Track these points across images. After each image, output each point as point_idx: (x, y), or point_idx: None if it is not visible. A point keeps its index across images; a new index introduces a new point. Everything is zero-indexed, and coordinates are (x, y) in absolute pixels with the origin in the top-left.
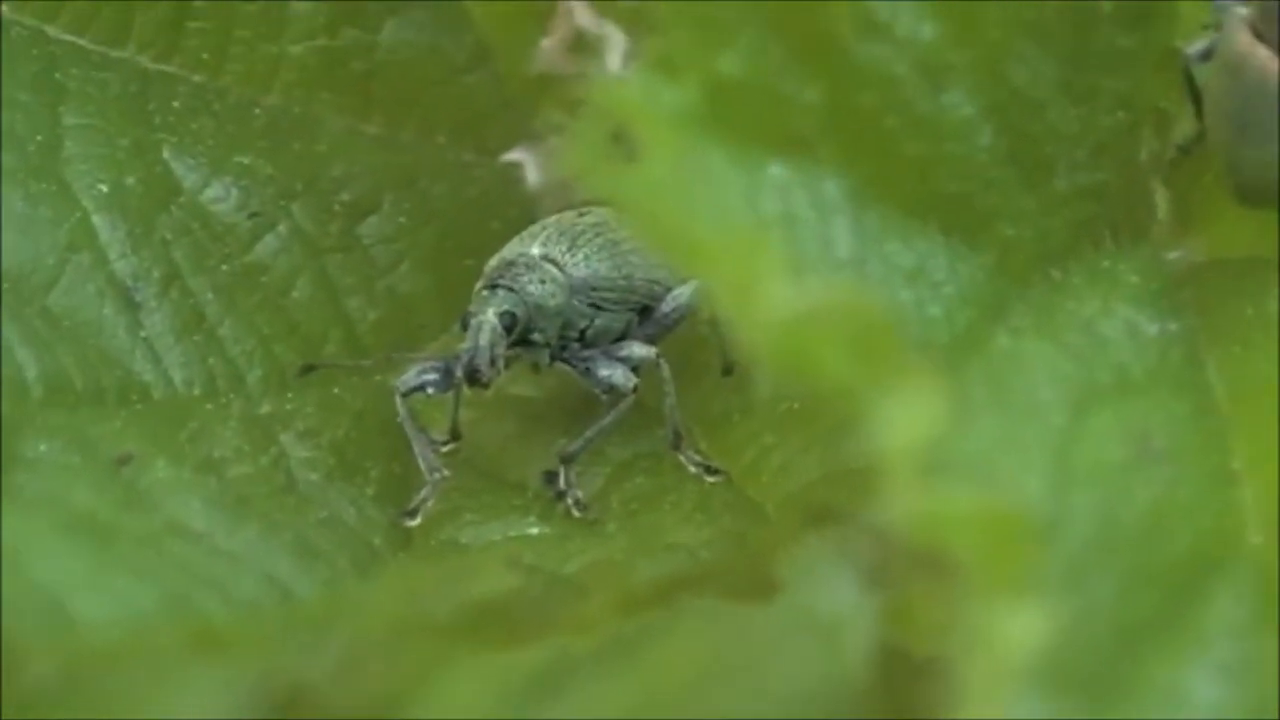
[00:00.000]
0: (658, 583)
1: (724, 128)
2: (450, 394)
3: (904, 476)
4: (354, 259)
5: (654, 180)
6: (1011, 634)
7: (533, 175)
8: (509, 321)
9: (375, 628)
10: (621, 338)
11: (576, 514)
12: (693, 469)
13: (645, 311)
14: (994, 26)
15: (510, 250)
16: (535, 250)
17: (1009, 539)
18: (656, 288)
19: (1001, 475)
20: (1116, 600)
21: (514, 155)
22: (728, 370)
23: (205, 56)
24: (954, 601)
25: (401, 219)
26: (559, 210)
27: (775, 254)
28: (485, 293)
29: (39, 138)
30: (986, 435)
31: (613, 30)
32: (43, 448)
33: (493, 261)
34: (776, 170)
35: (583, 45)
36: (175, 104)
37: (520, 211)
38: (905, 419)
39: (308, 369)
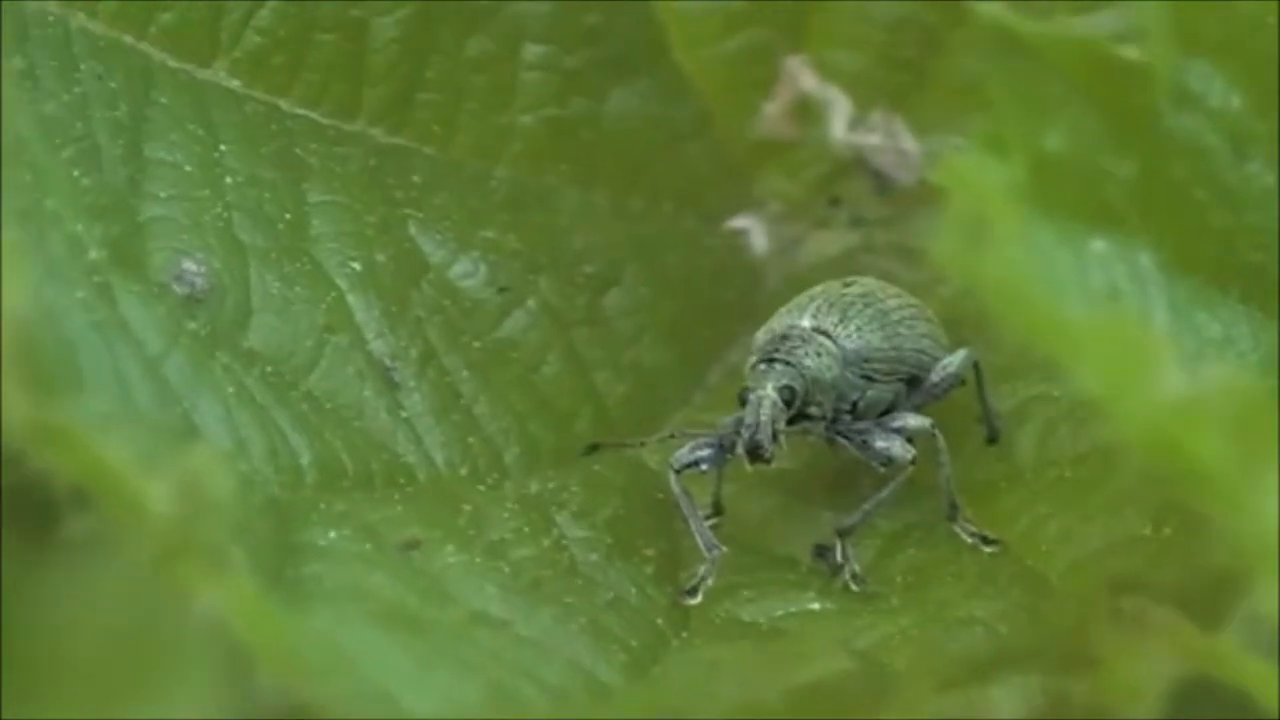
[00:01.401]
0: (973, 662)
1: (1049, 204)
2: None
3: None
4: (599, 333)
5: (1010, 262)
6: None
7: (758, 242)
8: (788, 396)
9: (705, 713)
10: (890, 408)
11: (855, 588)
12: (969, 539)
13: (912, 381)
14: None
15: (780, 323)
16: (807, 322)
17: None
18: (924, 358)
19: None
20: None
21: (738, 222)
22: (992, 439)
23: (436, 129)
24: None
25: (643, 290)
26: (783, 277)
27: (1162, 339)
28: (762, 367)
29: (287, 216)
30: None
31: (836, 95)
32: (331, 535)
33: (761, 335)
34: (1099, 245)
35: (806, 110)
36: (415, 178)
37: (747, 279)
38: None
39: (593, 448)
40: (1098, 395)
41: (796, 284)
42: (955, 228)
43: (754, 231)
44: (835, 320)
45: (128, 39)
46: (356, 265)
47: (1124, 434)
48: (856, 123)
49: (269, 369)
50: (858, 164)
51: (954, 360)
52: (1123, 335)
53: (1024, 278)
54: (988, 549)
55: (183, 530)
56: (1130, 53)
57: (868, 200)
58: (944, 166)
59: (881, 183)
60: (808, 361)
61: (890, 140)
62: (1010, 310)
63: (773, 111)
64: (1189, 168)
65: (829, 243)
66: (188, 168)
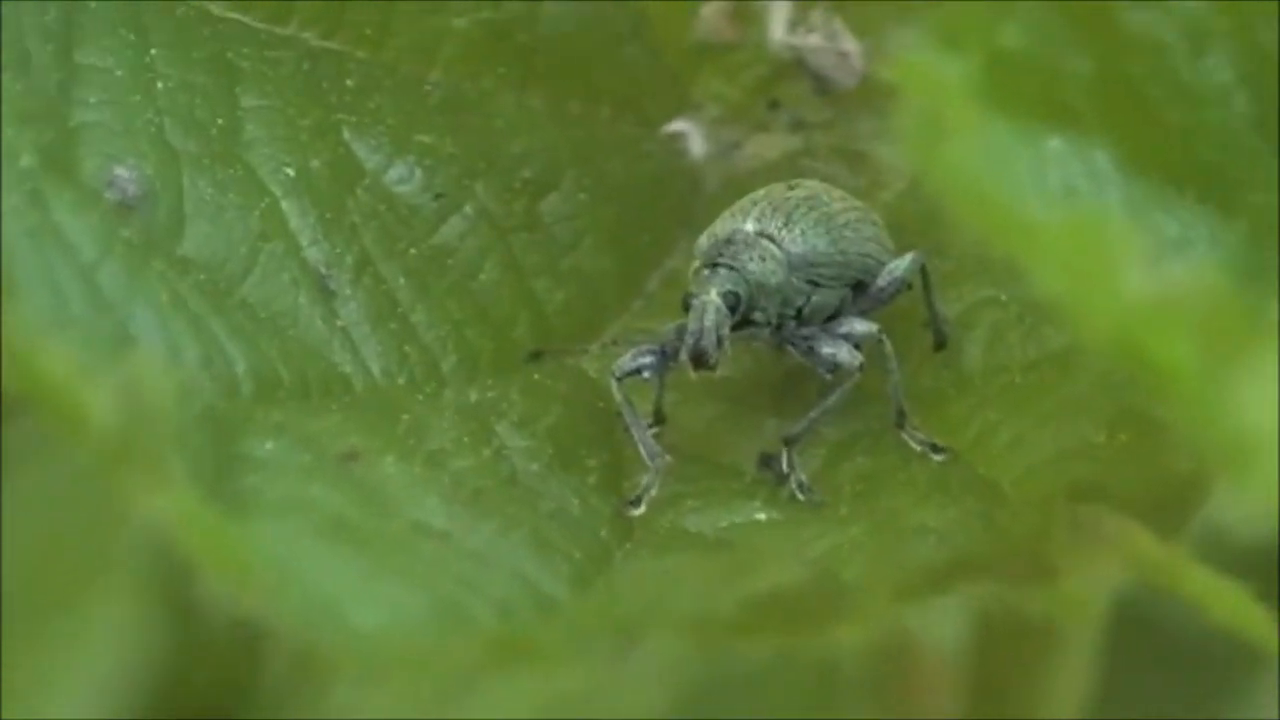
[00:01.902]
0: (929, 570)
1: (1006, 101)
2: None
3: (1267, 461)
4: (537, 239)
5: (968, 160)
6: None
7: (696, 146)
8: (733, 301)
9: (661, 626)
10: (836, 314)
11: (802, 497)
12: (918, 447)
13: (858, 286)
14: None
15: (723, 227)
16: (750, 226)
17: None
18: (870, 261)
19: None
20: None
21: (676, 126)
22: (940, 345)
23: (369, 32)
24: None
25: (581, 195)
26: (722, 181)
27: (1131, 242)
28: (706, 272)
29: (220, 121)
30: None
31: None
32: (269, 445)
33: (704, 240)
34: (1055, 143)
35: (744, 12)
36: (349, 83)
37: (686, 184)
38: (1267, 403)
39: (534, 356)
40: (1059, 296)
41: (736, 189)
42: (910, 125)
43: (692, 135)
44: (780, 224)
45: None
46: (290, 171)
47: (1086, 336)
48: (796, 24)
49: (203, 277)
50: (797, 66)
51: (901, 264)
52: (1086, 235)
53: (982, 176)
54: (937, 456)
55: (123, 438)
56: None
57: (808, 103)
58: (897, 62)
59: (822, 85)
60: (752, 266)
61: (830, 42)
62: (969, 210)
63: (711, 13)
64: (1146, 64)
65: (769, 146)
66: (119, 73)
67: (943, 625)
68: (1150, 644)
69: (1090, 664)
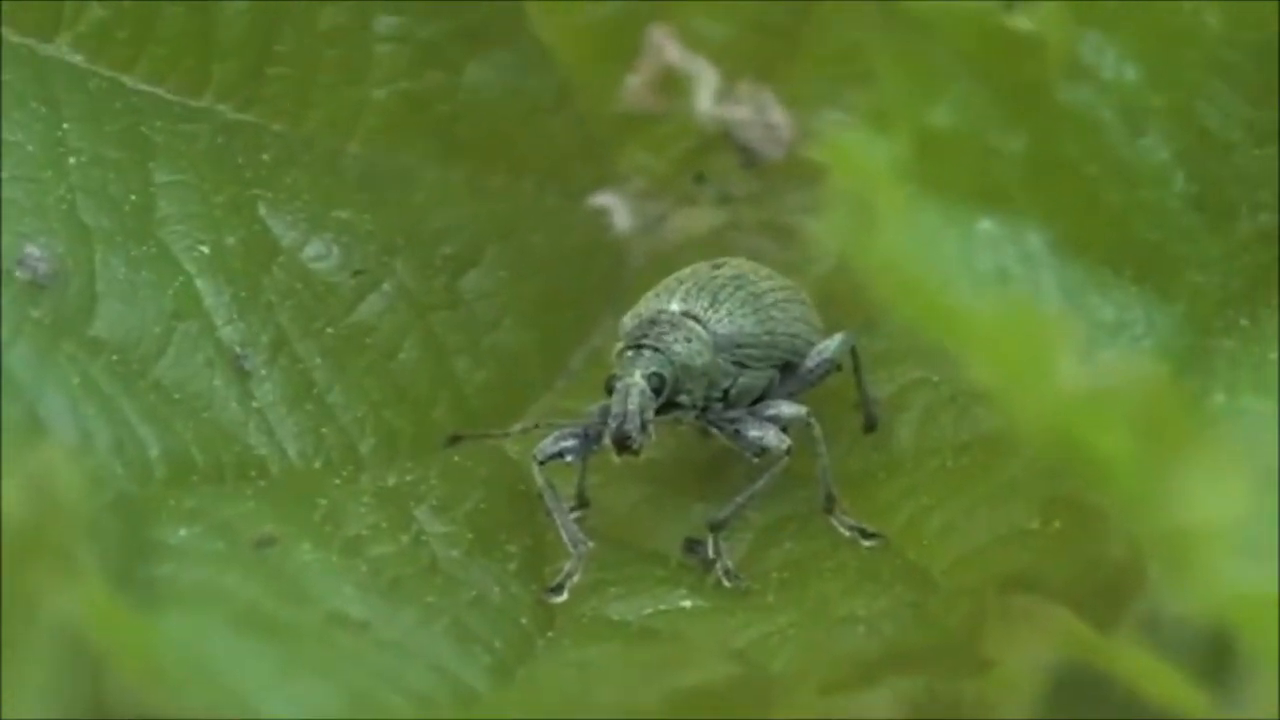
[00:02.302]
0: (857, 662)
1: (935, 182)
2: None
3: (1209, 556)
4: (458, 316)
5: (895, 245)
6: None
7: (621, 220)
8: (657, 383)
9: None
10: (763, 396)
11: (728, 584)
12: (847, 532)
13: (786, 367)
14: (1191, 67)
15: (648, 307)
16: (675, 306)
17: None
18: (798, 342)
19: (1263, 546)
20: None
21: (601, 199)
22: (870, 427)
23: (286, 104)
24: None
25: (503, 271)
26: (647, 256)
27: (1065, 330)
28: (630, 353)
29: (133, 197)
30: (1243, 502)
31: (704, 67)
32: (182, 533)
33: (629, 319)
34: (986, 225)
35: (671, 82)
36: (265, 157)
37: (611, 259)
38: (1208, 497)
39: (454, 439)
40: (991, 387)
41: (662, 263)
42: (837, 208)
43: (617, 209)
44: (706, 304)
45: None
46: (205, 248)
47: (1020, 427)
48: (723, 95)
49: (115, 358)
50: (724, 138)
51: (830, 345)
52: (1018, 324)
53: (911, 261)
54: (867, 543)
55: (33, 533)
56: (1021, 23)
57: (735, 176)
58: (825, 143)
59: (749, 157)
60: (677, 348)
61: (758, 113)
62: (898, 297)
63: (636, 84)
64: (1081, 143)
65: (695, 220)
66: (30, 148)
67: (874, 710)
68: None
69: None
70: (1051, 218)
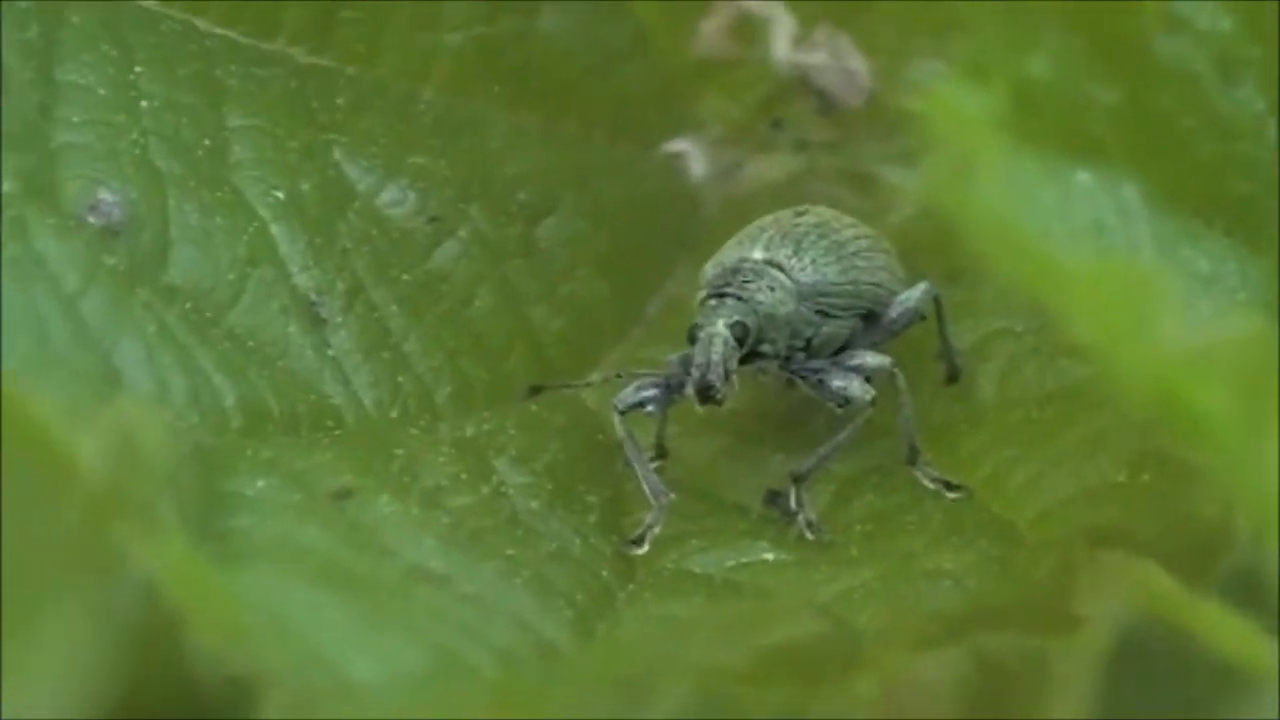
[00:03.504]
0: (949, 620)
1: (1033, 134)
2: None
3: None
4: (534, 264)
5: (994, 198)
6: None
7: (696, 167)
8: (740, 332)
9: (674, 678)
10: (846, 345)
11: (811, 537)
12: (930, 485)
13: (869, 317)
14: None
15: (730, 255)
16: (759, 254)
17: None
18: (881, 291)
19: None
20: None
21: (676, 146)
22: (953, 378)
23: (360, 48)
24: None
25: (578, 220)
26: (722, 203)
27: (1164, 284)
28: (713, 302)
29: (206, 142)
30: None
31: (778, 11)
32: (260, 484)
33: (711, 267)
34: (1083, 177)
35: (746, 28)
36: (339, 101)
37: (686, 206)
38: None
39: (535, 390)
40: (1090, 341)
41: (737, 211)
42: (933, 159)
43: (692, 155)
44: (789, 252)
45: None
46: (279, 194)
47: (1119, 382)
48: (800, 41)
49: (189, 305)
50: (801, 84)
51: (913, 294)
52: (1118, 277)
53: (1009, 214)
54: (951, 495)
55: (114, 489)
56: None
57: (812, 122)
58: (921, 92)
59: (827, 104)
60: (761, 296)
61: (835, 59)
62: (996, 249)
63: (711, 29)
64: (1176, 95)
65: (771, 167)
66: (101, 91)
67: (942, 666)
68: (1148, 662)
69: (1090, 693)
70: (1146, 170)
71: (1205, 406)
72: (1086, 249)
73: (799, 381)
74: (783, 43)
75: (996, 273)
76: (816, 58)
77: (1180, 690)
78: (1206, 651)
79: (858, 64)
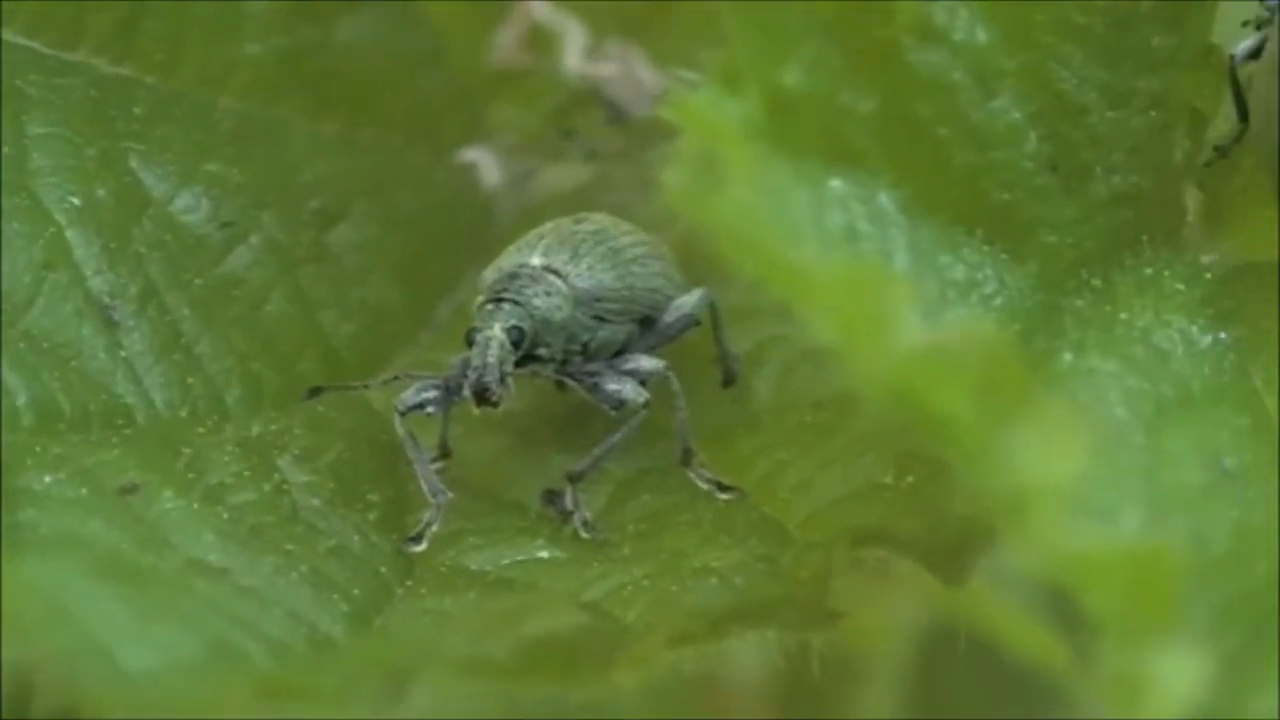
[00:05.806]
0: (709, 614)
1: (787, 142)
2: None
3: (1046, 515)
4: (326, 270)
5: (741, 203)
6: (1164, 678)
7: (490, 175)
8: (517, 336)
9: (435, 669)
10: (622, 350)
11: (586, 535)
12: (704, 486)
13: (645, 322)
14: (1043, 30)
15: (509, 261)
16: (536, 260)
17: (1152, 582)
18: (658, 297)
19: (1102, 504)
20: (1211, 633)
21: (469, 155)
22: (728, 381)
23: (159, 58)
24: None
25: (370, 226)
26: (515, 211)
27: (906, 287)
28: (490, 306)
29: (6, 150)
30: (1081, 461)
31: (572, 24)
32: (47, 479)
33: (490, 273)
34: (837, 184)
35: (540, 39)
36: (137, 110)
37: (479, 214)
38: (1045, 456)
39: (316, 391)
40: (833, 344)
41: (529, 219)
42: (685, 166)
43: (485, 164)
44: (566, 258)
45: None
46: (76, 200)
47: (861, 384)
48: (592, 52)
49: None
50: (592, 95)
51: (689, 300)
52: (859, 281)
53: (755, 219)
54: (724, 496)
55: None
56: None
57: (602, 132)
58: (675, 102)
59: (617, 114)
60: (537, 301)
61: (626, 70)
62: (740, 253)
63: (506, 40)
64: (933, 104)
65: (563, 176)
66: None
67: (746, 657)
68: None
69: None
70: (903, 178)
71: (942, 405)
72: (837, 255)
73: (574, 385)
74: (574, 54)
75: (746, 277)
76: (607, 69)
77: (989, 691)
78: (1009, 652)
79: (646, 75)
